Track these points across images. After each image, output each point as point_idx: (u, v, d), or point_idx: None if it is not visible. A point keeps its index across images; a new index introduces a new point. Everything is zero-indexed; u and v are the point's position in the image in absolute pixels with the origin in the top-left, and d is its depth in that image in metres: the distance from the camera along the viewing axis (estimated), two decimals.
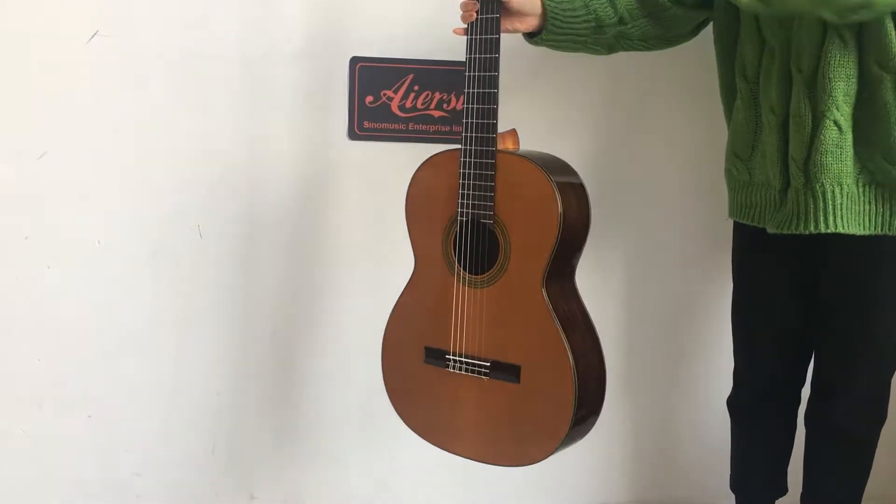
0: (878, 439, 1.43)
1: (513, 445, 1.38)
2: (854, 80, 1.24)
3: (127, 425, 1.71)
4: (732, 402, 1.57)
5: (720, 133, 1.50)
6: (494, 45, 1.30)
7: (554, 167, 1.34)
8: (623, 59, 1.65)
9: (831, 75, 1.24)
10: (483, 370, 1.36)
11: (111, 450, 1.71)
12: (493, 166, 1.32)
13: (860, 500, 1.47)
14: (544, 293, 1.31)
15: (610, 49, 1.47)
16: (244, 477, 1.76)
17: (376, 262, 1.70)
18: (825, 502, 1.48)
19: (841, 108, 1.24)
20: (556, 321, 1.31)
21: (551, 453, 1.35)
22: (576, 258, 1.38)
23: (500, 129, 1.33)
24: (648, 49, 1.49)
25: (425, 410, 1.45)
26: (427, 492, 1.80)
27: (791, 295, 1.42)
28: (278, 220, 1.68)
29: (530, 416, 1.34)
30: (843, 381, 1.39)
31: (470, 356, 1.38)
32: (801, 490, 1.51)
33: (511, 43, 1.61)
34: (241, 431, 1.74)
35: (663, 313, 1.80)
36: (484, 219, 1.33)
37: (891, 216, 1.27)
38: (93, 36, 1.58)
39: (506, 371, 1.35)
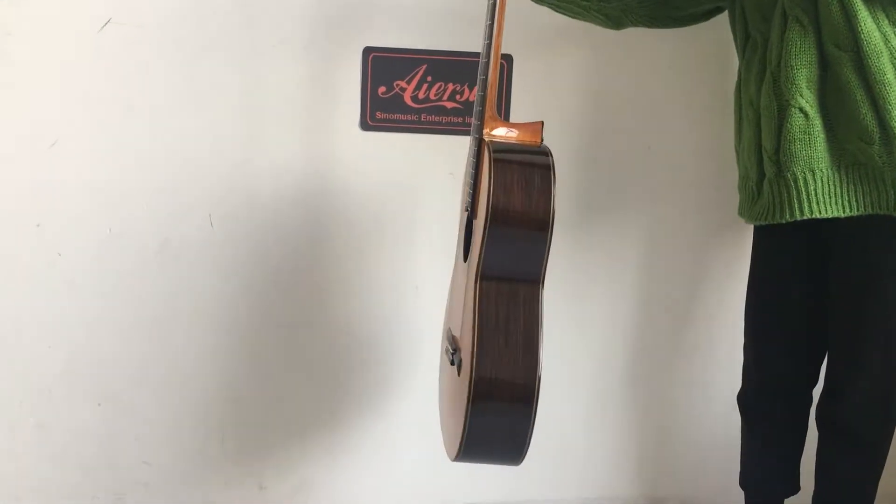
0: (890, 438, 1.42)
1: (450, 437, 1.30)
2: (815, 65, 1.25)
3: (137, 415, 1.71)
4: (742, 399, 1.56)
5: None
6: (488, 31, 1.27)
7: (515, 150, 1.24)
8: (642, 49, 1.64)
9: (793, 63, 1.25)
10: (451, 357, 1.29)
11: (121, 439, 1.72)
12: (476, 153, 1.28)
13: (873, 499, 1.46)
14: (477, 289, 1.20)
15: (617, 23, 1.46)
16: (253, 467, 1.76)
17: (388, 254, 1.70)
18: (837, 502, 1.47)
19: (805, 95, 1.25)
20: (475, 322, 1.18)
21: (455, 459, 1.24)
22: (528, 259, 1.22)
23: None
24: (657, 26, 1.48)
25: (440, 400, 1.44)
26: (434, 484, 1.81)
27: (805, 294, 1.42)
28: (290, 210, 1.67)
29: (458, 412, 1.24)
30: (851, 379, 1.38)
31: (449, 342, 1.33)
32: (812, 488, 1.50)
33: (529, 34, 1.61)
34: (250, 422, 1.75)
35: (674, 308, 1.79)
36: (467, 207, 1.32)
37: (878, 194, 1.26)
38: (105, 24, 1.57)
39: (454, 359, 1.27)
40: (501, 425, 1.20)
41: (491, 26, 1.27)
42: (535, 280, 1.21)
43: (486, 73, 1.29)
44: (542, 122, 1.28)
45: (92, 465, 1.72)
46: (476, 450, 1.22)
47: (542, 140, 1.28)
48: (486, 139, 1.26)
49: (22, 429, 1.68)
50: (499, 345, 1.18)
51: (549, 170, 1.20)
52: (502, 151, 1.21)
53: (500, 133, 1.28)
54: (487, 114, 1.28)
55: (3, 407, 1.67)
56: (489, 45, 1.28)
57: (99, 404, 1.70)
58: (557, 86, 1.68)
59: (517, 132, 1.28)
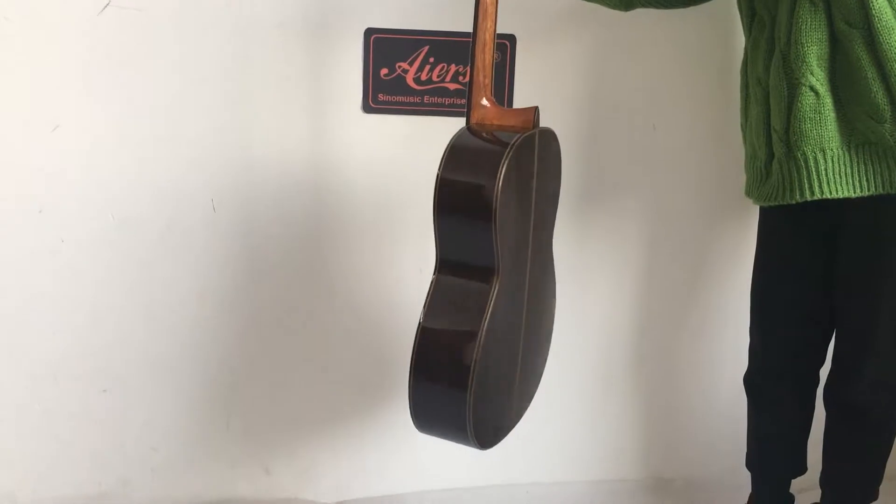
0: None
1: None
2: (826, 43, 1.23)
3: (142, 400, 1.71)
4: (748, 380, 1.56)
5: None
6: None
7: (483, 130, 1.23)
8: (645, 28, 1.62)
9: (804, 40, 1.23)
10: None
11: (127, 424, 1.72)
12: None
13: (880, 481, 1.46)
14: (434, 278, 1.23)
15: (627, 5, 1.45)
16: (259, 451, 1.77)
17: (391, 237, 1.69)
18: (844, 483, 1.47)
19: (816, 73, 1.23)
20: (425, 304, 1.21)
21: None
22: (476, 248, 1.20)
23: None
24: (665, 7, 1.47)
25: None
26: (440, 467, 1.81)
27: (811, 274, 1.41)
28: (293, 194, 1.66)
29: None
30: (860, 359, 1.38)
31: None
32: (820, 468, 1.50)
33: (532, 14, 1.60)
34: (255, 406, 1.75)
35: (678, 288, 1.79)
36: None
37: (889, 174, 1.25)
38: (105, 6, 1.56)
39: None
40: (440, 405, 1.23)
41: (476, 8, 1.25)
42: (488, 268, 1.19)
43: (472, 59, 1.26)
44: (537, 108, 1.26)
45: (98, 451, 1.72)
46: (426, 423, 1.26)
47: (538, 124, 1.26)
48: (472, 124, 1.25)
49: (27, 414, 1.69)
50: (442, 328, 1.20)
51: (502, 157, 1.16)
52: (464, 137, 1.22)
53: (489, 117, 1.27)
54: (474, 100, 1.26)
55: (9, 393, 1.67)
56: (475, 29, 1.26)
57: (104, 390, 1.70)
58: (561, 66, 1.66)
59: (504, 118, 1.27)
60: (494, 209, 1.15)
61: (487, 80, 1.27)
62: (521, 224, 1.27)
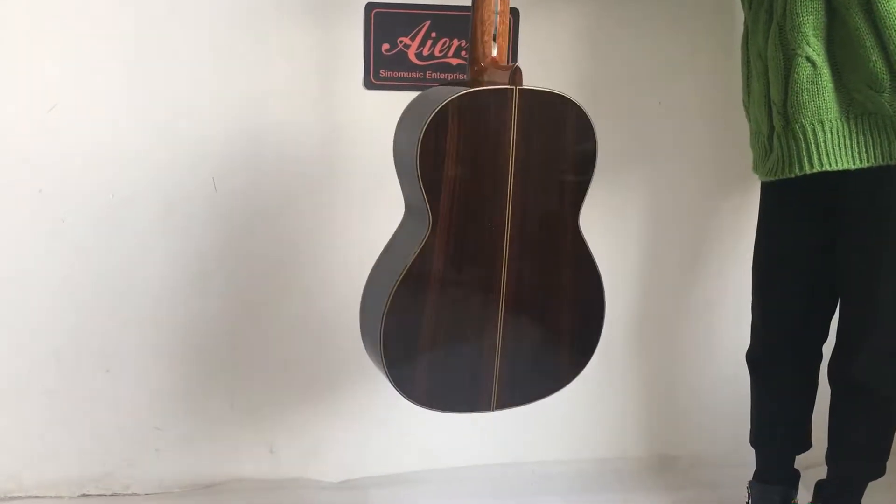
0: None
1: None
2: (822, 12, 1.21)
3: (145, 380, 1.71)
4: (751, 357, 1.56)
5: None
6: None
7: (457, 84, 1.27)
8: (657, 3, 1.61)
9: (799, 10, 1.21)
10: None
11: (130, 404, 1.71)
12: None
13: (887, 456, 1.46)
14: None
15: None
16: (263, 431, 1.76)
17: (393, 214, 1.68)
18: (850, 459, 1.47)
19: (812, 43, 1.21)
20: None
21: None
22: (413, 201, 1.26)
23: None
24: None
25: None
26: (445, 446, 1.81)
27: (815, 249, 1.40)
28: (294, 172, 1.65)
29: None
30: (863, 334, 1.37)
31: None
32: (826, 445, 1.50)
33: None
34: (259, 386, 1.74)
35: (680, 265, 1.78)
36: None
37: (889, 144, 1.24)
38: None
39: None
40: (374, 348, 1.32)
41: None
42: (425, 215, 1.24)
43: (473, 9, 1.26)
44: (516, 66, 1.22)
45: (101, 432, 1.72)
46: (370, 348, 1.36)
47: (516, 83, 1.22)
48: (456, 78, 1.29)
49: (30, 396, 1.68)
50: (384, 263, 1.33)
51: (436, 106, 1.19)
52: (434, 89, 1.26)
53: (482, 73, 1.29)
54: (474, 53, 1.26)
55: (11, 374, 1.67)
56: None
57: (107, 370, 1.69)
58: (565, 41, 1.64)
59: (493, 76, 1.27)
60: (416, 156, 1.20)
61: (487, 37, 1.25)
62: (478, 183, 1.25)
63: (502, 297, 1.31)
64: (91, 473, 1.73)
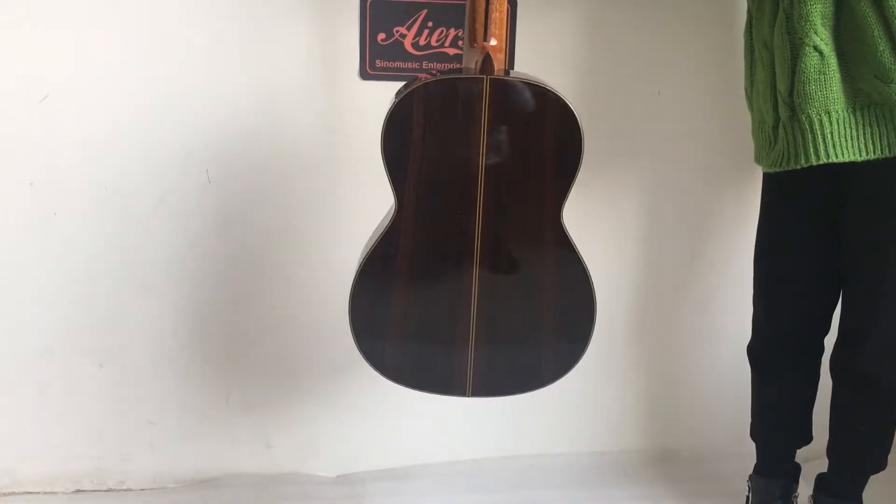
0: None
1: None
2: (830, 1, 1.20)
3: (139, 374, 1.70)
4: (752, 350, 1.55)
5: None
6: None
7: (441, 73, 1.28)
8: None
9: None
10: None
11: (124, 398, 1.70)
12: None
13: (888, 450, 1.45)
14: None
15: None
16: (260, 426, 1.76)
17: (390, 203, 1.66)
18: (852, 452, 1.46)
19: (819, 32, 1.20)
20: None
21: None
22: (392, 179, 1.29)
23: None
24: None
25: None
26: (440, 439, 1.81)
27: (817, 240, 1.39)
28: (289, 163, 1.64)
29: None
30: (867, 326, 1.36)
31: None
32: (826, 438, 1.49)
33: None
34: (256, 380, 1.73)
35: (680, 256, 1.77)
36: None
37: (895, 136, 1.22)
38: None
39: None
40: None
41: None
42: (397, 198, 1.28)
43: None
44: (486, 54, 1.21)
45: (96, 426, 1.71)
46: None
47: (489, 71, 1.20)
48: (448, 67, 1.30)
49: (24, 390, 1.67)
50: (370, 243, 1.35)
51: (399, 96, 1.22)
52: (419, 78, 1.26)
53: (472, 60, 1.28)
54: (468, 42, 1.25)
55: (5, 368, 1.66)
56: None
57: (101, 364, 1.68)
58: (564, 30, 1.63)
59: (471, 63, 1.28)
60: (382, 137, 1.24)
61: (479, 26, 1.23)
62: (445, 173, 1.25)
63: (474, 288, 1.30)
64: (85, 469, 1.72)
